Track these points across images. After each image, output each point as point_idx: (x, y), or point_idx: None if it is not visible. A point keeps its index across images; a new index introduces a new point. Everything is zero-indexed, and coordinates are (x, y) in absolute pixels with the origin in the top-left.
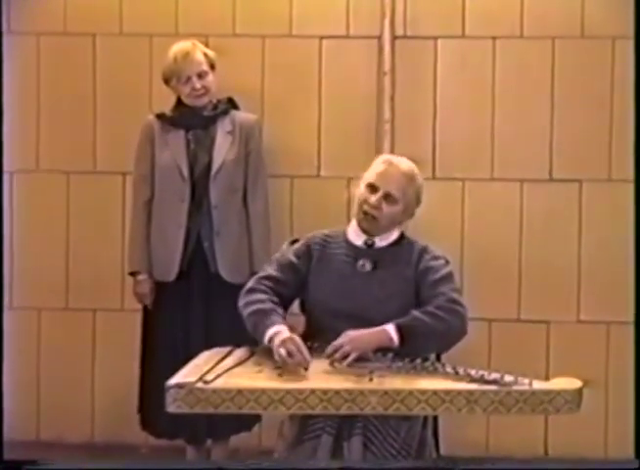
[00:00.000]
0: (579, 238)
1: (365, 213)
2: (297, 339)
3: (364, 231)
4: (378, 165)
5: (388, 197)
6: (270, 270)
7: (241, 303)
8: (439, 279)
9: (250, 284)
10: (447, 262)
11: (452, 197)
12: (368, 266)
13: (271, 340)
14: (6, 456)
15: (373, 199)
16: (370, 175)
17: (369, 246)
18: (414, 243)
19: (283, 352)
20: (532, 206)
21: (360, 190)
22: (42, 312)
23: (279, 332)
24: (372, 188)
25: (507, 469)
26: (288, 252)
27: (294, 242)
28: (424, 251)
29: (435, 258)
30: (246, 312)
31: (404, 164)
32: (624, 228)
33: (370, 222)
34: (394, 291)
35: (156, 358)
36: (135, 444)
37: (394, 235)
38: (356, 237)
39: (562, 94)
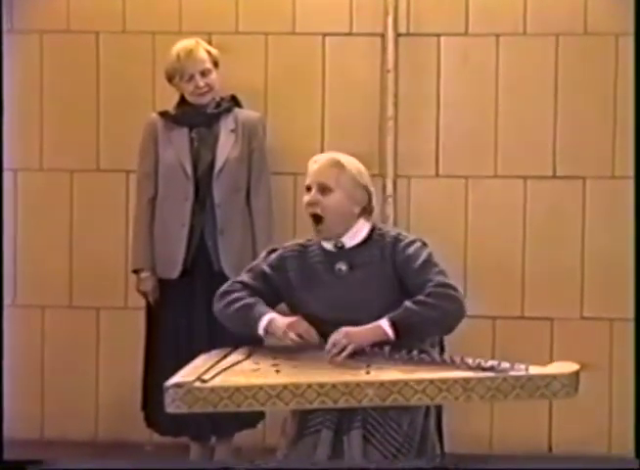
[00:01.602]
0: (583, 235)
1: (312, 216)
2: (302, 319)
3: (323, 237)
4: (308, 168)
5: (321, 189)
6: (244, 276)
7: (218, 306)
8: (422, 266)
9: (223, 288)
10: (424, 244)
11: (455, 194)
12: (344, 269)
13: (268, 329)
14: (10, 455)
15: (309, 197)
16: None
17: (340, 248)
18: (385, 234)
19: (294, 336)
20: (536, 203)
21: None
22: (46, 310)
23: (273, 319)
24: (307, 188)
25: (510, 469)
26: (263, 262)
27: (272, 251)
28: (396, 240)
29: (410, 243)
30: (229, 311)
31: (330, 156)
32: (628, 225)
33: (319, 223)
34: (375, 289)
35: (159, 356)
36: (139, 441)
37: (363, 232)
38: (327, 242)
39: (565, 91)
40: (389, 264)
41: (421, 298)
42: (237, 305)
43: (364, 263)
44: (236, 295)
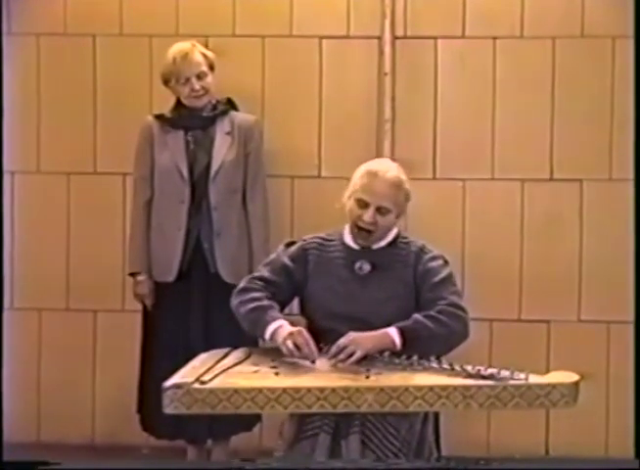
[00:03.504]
0: (580, 238)
1: (360, 229)
2: (305, 332)
3: (363, 244)
4: (363, 178)
5: (380, 210)
6: (264, 271)
7: (234, 302)
8: (440, 282)
9: (242, 284)
10: (446, 262)
11: (453, 197)
12: (366, 268)
13: (273, 335)
14: (5, 458)
15: (366, 216)
16: (357, 189)
17: (366, 247)
18: (410, 242)
19: (290, 344)
20: (533, 205)
21: (350, 204)
22: (43, 313)
23: (281, 326)
24: (362, 203)
25: (508, 469)
26: (283, 254)
27: (290, 244)
28: (421, 251)
29: (434, 258)
30: (243, 310)
31: (389, 172)
32: (625, 228)
33: (366, 237)
34: (392, 293)
35: (155, 359)
36: (136, 444)
37: (391, 236)
38: (353, 240)
39: (562, 94)
40: (411, 272)
41: (432, 313)
42: (251, 305)
43: (385, 266)
44: (252, 294)
